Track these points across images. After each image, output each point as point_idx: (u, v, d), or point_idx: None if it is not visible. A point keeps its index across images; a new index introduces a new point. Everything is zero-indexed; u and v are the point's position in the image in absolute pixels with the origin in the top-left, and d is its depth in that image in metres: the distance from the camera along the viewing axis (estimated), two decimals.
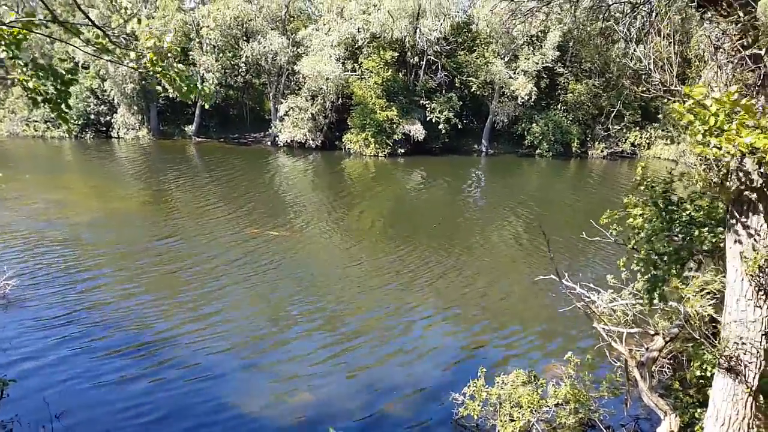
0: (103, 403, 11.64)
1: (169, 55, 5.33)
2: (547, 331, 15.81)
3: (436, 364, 13.92)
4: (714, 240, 7.26)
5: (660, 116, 46.57)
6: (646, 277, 7.59)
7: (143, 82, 42.54)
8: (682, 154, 41.33)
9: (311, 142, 44.46)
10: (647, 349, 9.34)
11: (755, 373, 6.31)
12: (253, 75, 48.20)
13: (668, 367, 11.57)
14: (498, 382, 10.75)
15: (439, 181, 37.94)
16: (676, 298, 8.19)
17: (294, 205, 30.02)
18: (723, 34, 6.09)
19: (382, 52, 43.32)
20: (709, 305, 7.30)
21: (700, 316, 7.25)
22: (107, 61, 5.74)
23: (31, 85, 5.20)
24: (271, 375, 13.09)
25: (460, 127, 44.96)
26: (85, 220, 24.19)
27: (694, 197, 7.89)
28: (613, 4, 8.80)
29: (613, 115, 46.99)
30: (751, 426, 6.45)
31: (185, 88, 5.52)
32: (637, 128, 47.76)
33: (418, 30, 43.04)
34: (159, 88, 5.95)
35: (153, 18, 42.20)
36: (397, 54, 43.86)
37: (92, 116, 46.74)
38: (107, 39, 5.28)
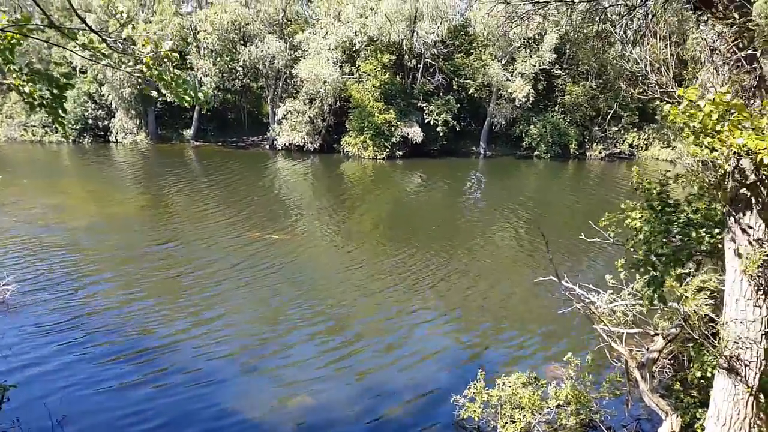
0: (105, 410, 11.61)
1: (166, 60, 5.34)
2: (548, 332, 15.81)
3: (439, 368, 13.89)
4: (712, 241, 7.27)
5: (657, 117, 46.68)
6: (645, 278, 7.61)
7: (140, 86, 42.54)
8: (679, 157, 41.41)
9: (309, 145, 44.48)
10: (647, 349, 9.35)
11: (756, 373, 6.31)
12: (250, 79, 48.23)
13: (669, 368, 11.56)
14: (498, 384, 10.75)
15: (439, 184, 37.97)
16: (676, 299, 8.19)
17: (294, 208, 30.01)
18: (719, 36, 6.11)
19: (379, 55, 43.38)
20: (707, 305, 7.30)
21: (699, 316, 7.25)
22: (104, 66, 5.74)
23: (27, 89, 5.20)
24: (273, 380, 13.06)
25: (458, 129, 45.00)
26: (83, 225, 24.16)
27: (691, 199, 7.91)
28: (609, 6, 8.83)
29: (609, 116, 47.09)
30: (752, 426, 6.45)
31: (182, 92, 5.53)
32: (635, 129, 47.84)
33: (415, 33, 43.12)
34: (154, 93, 5.96)
35: (150, 22, 42.22)
36: (394, 57, 43.92)
37: (90, 121, 46.70)
38: (104, 43, 5.28)
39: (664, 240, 7.56)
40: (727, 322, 6.34)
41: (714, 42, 6.19)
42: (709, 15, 6.14)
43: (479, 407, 10.52)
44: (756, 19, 6.06)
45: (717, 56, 6.18)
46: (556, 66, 45.97)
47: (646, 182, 8.21)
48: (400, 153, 43.92)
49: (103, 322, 15.27)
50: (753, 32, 5.87)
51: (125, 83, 43.62)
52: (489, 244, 24.81)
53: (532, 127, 45.93)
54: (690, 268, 8.17)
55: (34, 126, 46.02)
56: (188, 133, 49.32)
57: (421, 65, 45.21)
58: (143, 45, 5.26)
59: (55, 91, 5.30)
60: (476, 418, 10.55)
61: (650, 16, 7.70)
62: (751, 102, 5.84)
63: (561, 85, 46.90)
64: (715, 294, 7.64)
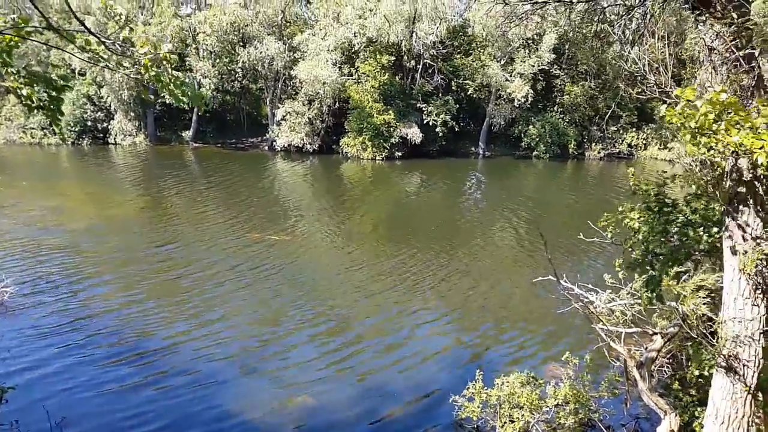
0: (105, 412, 11.59)
1: (164, 62, 5.35)
2: (548, 332, 15.82)
3: (439, 368, 13.90)
4: (710, 240, 7.29)
5: (656, 117, 46.73)
6: (644, 277, 7.62)
7: (138, 89, 42.59)
8: (677, 157, 41.45)
9: (308, 146, 44.50)
10: (646, 348, 9.36)
11: (754, 372, 6.32)
12: (249, 80, 48.27)
13: (667, 367, 11.58)
14: (497, 384, 10.75)
15: (438, 184, 38.00)
16: (674, 298, 8.21)
17: (294, 209, 30.01)
18: (717, 35, 6.12)
19: (378, 56, 43.42)
20: (706, 304, 7.32)
21: (698, 315, 7.26)
22: (102, 68, 5.75)
23: (24, 92, 5.21)
24: (273, 381, 13.05)
25: (457, 129, 45.05)
26: (82, 227, 24.15)
27: (689, 199, 7.92)
28: (607, 6, 8.84)
29: (608, 116, 47.11)
30: (750, 424, 6.46)
31: (180, 93, 5.53)
32: (634, 129, 47.91)
33: (414, 34, 43.16)
34: (152, 96, 5.97)
35: (149, 24, 42.24)
36: (393, 58, 43.96)
37: (89, 123, 46.71)
38: (102, 46, 5.29)
39: (662, 240, 7.58)
40: (725, 321, 6.36)
41: (712, 42, 6.20)
42: (708, 15, 6.16)
43: (478, 407, 10.52)
44: (754, 18, 6.08)
45: (715, 56, 6.20)
46: (555, 66, 46.03)
47: (644, 183, 8.23)
48: (399, 154, 43.96)
49: (103, 324, 15.26)
50: (751, 32, 5.89)
51: (124, 85, 43.63)
52: (489, 244, 24.82)
53: (531, 127, 45.97)
54: (688, 268, 8.19)
55: (32, 128, 45.99)
56: (187, 134, 49.33)
57: (420, 66, 45.25)
58: (141, 46, 5.27)
59: (53, 94, 5.30)
60: (475, 418, 10.56)
61: (648, 16, 7.72)
62: (750, 101, 5.86)
63: (560, 85, 46.95)
64: (714, 293, 7.66)
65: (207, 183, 35.16)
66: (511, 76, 44.33)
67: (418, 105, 44.75)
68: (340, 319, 16.44)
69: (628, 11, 8.20)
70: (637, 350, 9.58)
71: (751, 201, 5.93)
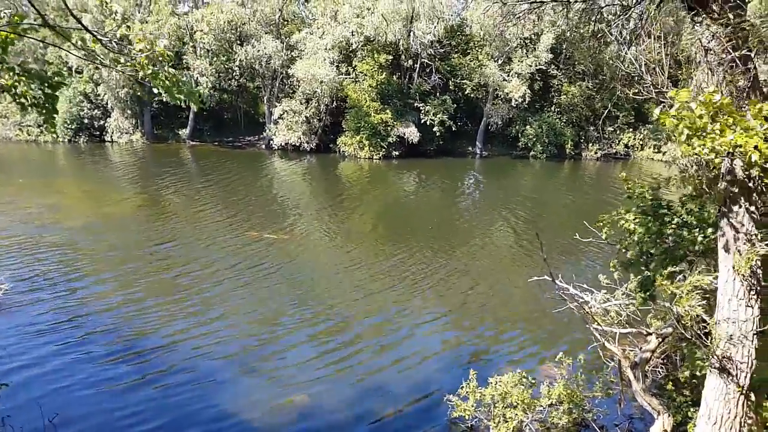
0: (101, 410, 11.56)
1: (160, 58, 5.34)
2: (545, 332, 15.85)
3: (438, 368, 13.90)
4: (705, 241, 7.31)
5: (652, 118, 46.77)
6: (638, 278, 7.64)
7: (134, 86, 42.52)
8: (673, 159, 41.52)
9: (306, 145, 44.45)
10: (641, 349, 9.38)
11: (747, 372, 6.35)
12: (247, 78, 48.19)
13: (662, 367, 11.61)
14: (491, 383, 10.77)
15: (436, 184, 38.02)
16: (669, 298, 8.23)
17: (292, 208, 30.00)
18: (713, 36, 6.14)
19: (376, 55, 43.38)
20: (700, 305, 7.34)
21: (692, 315, 7.29)
22: (98, 65, 5.74)
23: (19, 90, 5.20)
24: (272, 380, 13.03)
25: (454, 129, 45.07)
26: (79, 225, 24.09)
27: (685, 200, 7.95)
28: (605, 6, 8.85)
29: (604, 116, 47.17)
30: (743, 424, 6.49)
31: (176, 91, 5.53)
32: (631, 129, 47.99)
33: (411, 33, 43.14)
34: (151, 91, 5.96)
35: (146, 22, 42.11)
36: (391, 57, 43.94)
37: (86, 120, 46.59)
38: (99, 43, 5.28)
39: (657, 241, 7.60)
40: (719, 322, 6.38)
41: (708, 42, 6.22)
42: (704, 15, 6.17)
43: (472, 406, 10.52)
44: (750, 19, 6.10)
45: (711, 56, 6.21)
46: (553, 66, 46.05)
47: (639, 187, 8.25)
48: (397, 153, 43.95)
49: (100, 322, 15.23)
50: (747, 32, 5.91)
51: (121, 83, 43.53)
52: (487, 244, 24.84)
53: (528, 127, 46.00)
54: (683, 268, 8.21)
55: (29, 125, 45.83)
56: (184, 132, 49.23)
57: (418, 65, 45.24)
58: (137, 43, 5.26)
59: (48, 91, 5.29)
60: (467, 417, 10.55)
61: (645, 16, 7.73)
62: (746, 103, 5.88)
63: (557, 85, 47.00)
64: (708, 294, 7.68)
65: (204, 181, 35.10)
66: (508, 75, 44.36)
67: (415, 104, 44.75)
68: (338, 319, 16.43)
69: (625, 11, 8.22)
70: (632, 351, 9.60)
71: (745, 202, 5.96)
